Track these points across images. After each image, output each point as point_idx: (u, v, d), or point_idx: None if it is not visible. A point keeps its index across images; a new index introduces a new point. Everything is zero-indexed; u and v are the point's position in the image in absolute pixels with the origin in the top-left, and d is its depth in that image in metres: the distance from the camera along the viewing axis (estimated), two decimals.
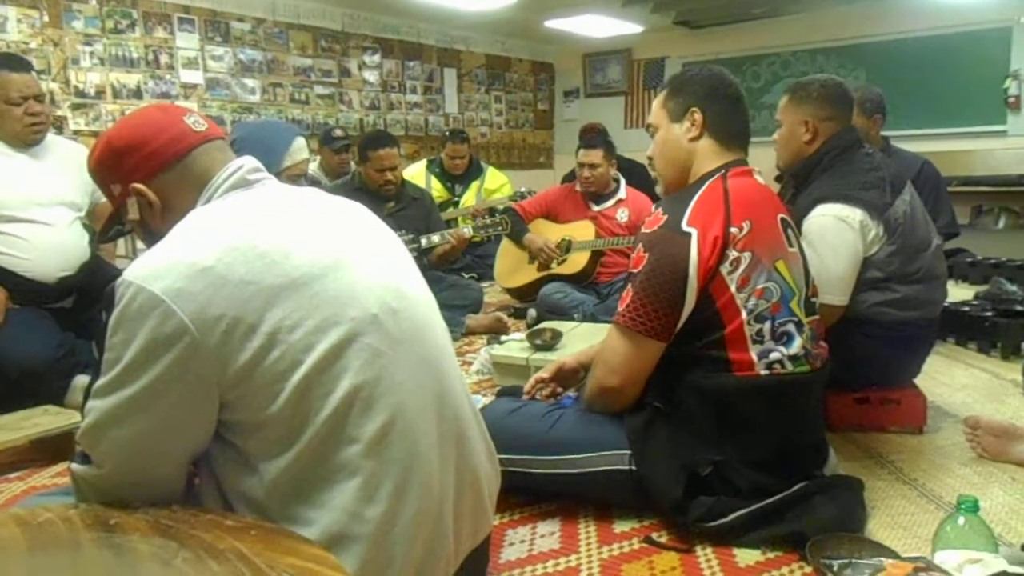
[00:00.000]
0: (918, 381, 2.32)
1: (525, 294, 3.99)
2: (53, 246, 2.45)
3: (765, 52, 6.92)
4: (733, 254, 1.56)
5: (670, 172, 1.77)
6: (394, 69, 6.59)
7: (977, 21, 5.80)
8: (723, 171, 1.66)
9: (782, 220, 1.69)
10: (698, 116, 1.70)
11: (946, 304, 2.46)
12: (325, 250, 1.06)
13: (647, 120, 1.84)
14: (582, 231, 3.86)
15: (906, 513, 1.73)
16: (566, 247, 3.86)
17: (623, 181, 3.99)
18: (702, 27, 7.00)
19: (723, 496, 1.57)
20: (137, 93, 4.92)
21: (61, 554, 0.86)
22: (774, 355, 1.58)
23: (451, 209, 4.94)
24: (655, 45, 7.45)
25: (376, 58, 6.42)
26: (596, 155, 3.78)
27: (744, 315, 1.56)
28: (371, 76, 6.39)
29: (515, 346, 2.85)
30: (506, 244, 4.09)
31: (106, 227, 1.26)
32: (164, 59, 5.05)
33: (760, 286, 1.57)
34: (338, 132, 4.67)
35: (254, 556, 0.81)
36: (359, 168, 3.63)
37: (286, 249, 1.02)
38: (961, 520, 1.35)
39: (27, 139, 2.47)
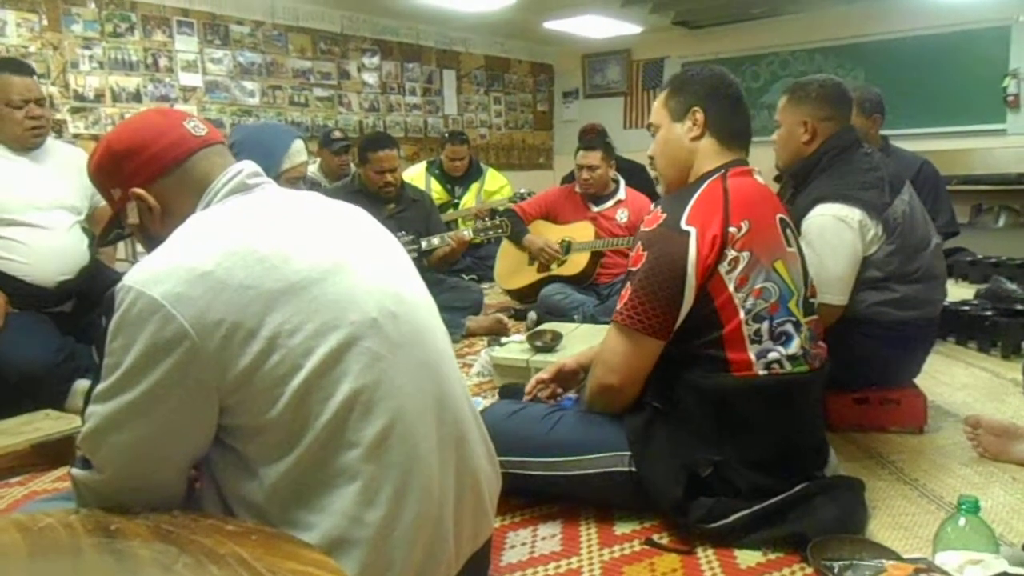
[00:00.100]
0: (918, 381, 2.32)
1: (525, 295, 3.99)
2: (53, 250, 2.46)
3: (764, 52, 6.92)
4: (731, 253, 1.56)
5: (671, 171, 1.77)
6: (393, 71, 6.59)
7: (976, 20, 5.80)
8: (723, 171, 1.66)
9: (781, 220, 1.69)
10: (699, 115, 1.71)
11: (946, 303, 2.46)
12: (324, 254, 1.06)
13: (648, 119, 1.84)
14: (582, 232, 3.86)
15: (907, 513, 1.73)
16: (566, 248, 3.86)
17: (622, 182, 3.98)
18: (701, 27, 7.00)
19: (723, 497, 1.57)
20: (136, 96, 4.92)
21: (62, 560, 0.86)
22: (772, 355, 1.58)
23: (451, 211, 4.93)
24: (654, 45, 7.45)
25: (375, 60, 6.42)
26: (595, 156, 3.78)
27: (742, 315, 1.56)
28: (370, 78, 6.39)
29: (515, 348, 2.84)
30: (506, 246, 4.09)
31: (106, 231, 1.25)
32: (163, 62, 5.05)
33: (758, 286, 1.57)
34: (337, 134, 4.68)
35: (254, 561, 0.81)
36: (359, 170, 3.63)
37: (285, 254, 1.02)
38: (962, 521, 1.35)
39: (27, 143, 2.48)
